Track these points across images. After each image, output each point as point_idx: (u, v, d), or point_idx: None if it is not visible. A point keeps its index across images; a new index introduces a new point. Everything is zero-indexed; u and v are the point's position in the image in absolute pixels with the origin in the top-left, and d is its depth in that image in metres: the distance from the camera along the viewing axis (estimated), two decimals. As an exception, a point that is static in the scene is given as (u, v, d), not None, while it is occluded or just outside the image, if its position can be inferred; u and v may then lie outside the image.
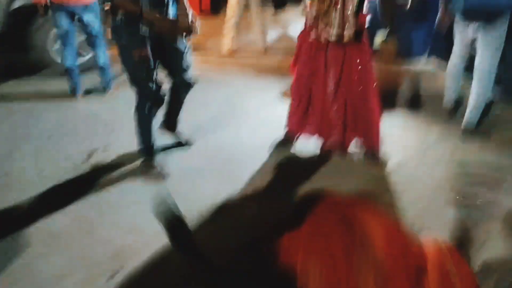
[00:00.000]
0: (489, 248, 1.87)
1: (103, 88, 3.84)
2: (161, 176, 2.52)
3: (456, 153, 2.74)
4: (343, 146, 2.64)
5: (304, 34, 2.51)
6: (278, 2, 2.45)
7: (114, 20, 2.20)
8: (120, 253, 1.90)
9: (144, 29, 2.19)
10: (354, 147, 2.66)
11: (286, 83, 3.71)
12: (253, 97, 3.74)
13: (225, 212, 2.22)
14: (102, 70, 3.79)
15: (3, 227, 2.11)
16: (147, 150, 2.56)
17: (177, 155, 2.78)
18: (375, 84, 2.50)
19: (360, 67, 2.42)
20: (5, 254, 1.91)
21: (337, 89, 2.47)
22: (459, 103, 3.19)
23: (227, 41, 4.74)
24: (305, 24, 2.48)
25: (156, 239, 1.90)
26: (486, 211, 2.15)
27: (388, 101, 3.23)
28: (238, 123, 3.24)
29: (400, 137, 2.98)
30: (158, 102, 2.48)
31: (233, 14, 4.57)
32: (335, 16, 2.31)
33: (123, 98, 3.34)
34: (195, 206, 2.20)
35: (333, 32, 2.34)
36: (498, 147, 2.79)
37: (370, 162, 2.62)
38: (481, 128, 2.96)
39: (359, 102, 2.49)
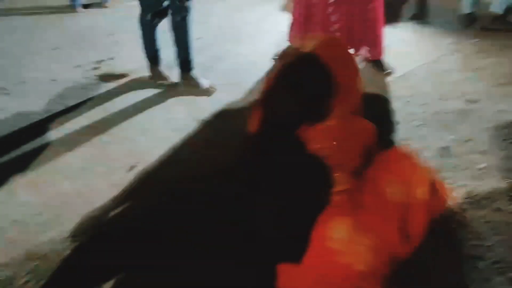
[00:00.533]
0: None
1: (101, 1, 3.79)
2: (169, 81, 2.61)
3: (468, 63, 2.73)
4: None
5: None
6: None
7: None
8: (134, 151, 2.05)
9: None
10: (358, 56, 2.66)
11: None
12: (252, 11, 3.69)
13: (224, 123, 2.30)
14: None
15: (24, 130, 2.24)
16: (152, 59, 2.62)
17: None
18: None
19: None
20: (28, 153, 2.05)
21: None
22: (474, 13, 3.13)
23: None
24: None
25: (165, 141, 2.05)
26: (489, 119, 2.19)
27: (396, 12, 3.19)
28: (239, 35, 3.24)
29: (408, 46, 2.97)
30: (161, 11, 2.47)
31: None
32: None
33: (123, 10, 3.32)
34: (198, 115, 2.30)
35: None
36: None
37: (377, 70, 2.63)
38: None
39: (363, 8, 2.45)
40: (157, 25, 2.54)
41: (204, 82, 2.57)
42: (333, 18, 2.49)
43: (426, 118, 2.19)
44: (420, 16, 3.33)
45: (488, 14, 3.20)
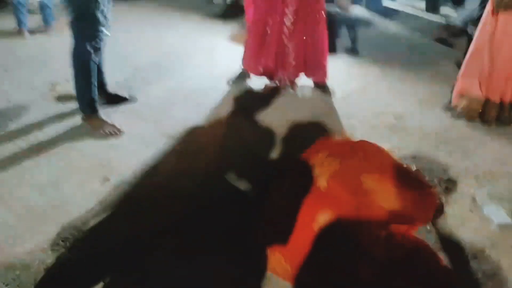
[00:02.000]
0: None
1: (45, 25, 3.83)
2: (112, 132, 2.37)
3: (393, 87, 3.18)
4: (295, 80, 2.96)
5: None
6: None
7: None
8: (106, 164, 2.14)
9: None
10: (304, 80, 3.00)
11: (232, 28, 3.98)
12: (203, 40, 3.93)
13: (193, 138, 2.48)
14: (43, 7, 3.77)
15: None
16: (91, 104, 2.34)
17: (144, 90, 2.94)
18: (324, 16, 2.77)
19: (314, 3, 2.68)
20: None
21: (295, 26, 2.71)
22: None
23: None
24: None
25: (135, 155, 2.20)
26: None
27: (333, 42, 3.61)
28: (193, 62, 3.44)
29: (344, 74, 3.37)
30: (99, 44, 2.24)
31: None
32: None
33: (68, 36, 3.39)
34: (165, 131, 2.45)
35: None
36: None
37: (321, 93, 2.97)
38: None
39: (312, 39, 2.78)
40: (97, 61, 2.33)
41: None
42: (289, 46, 2.77)
43: (365, 131, 2.55)
44: (353, 50, 3.82)
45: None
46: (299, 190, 1.47)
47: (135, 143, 2.34)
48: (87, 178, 2.03)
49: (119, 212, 1.84)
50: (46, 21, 3.81)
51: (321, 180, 1.54)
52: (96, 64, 2.30)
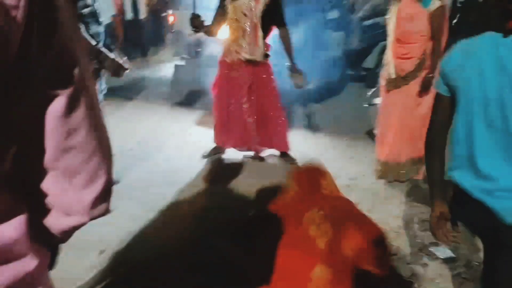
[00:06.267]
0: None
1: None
2: None
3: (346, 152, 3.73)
4: (260, 152, 3.39)
5: (222, 58, 3.20)
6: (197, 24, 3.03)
7: None
8: (102, 239, 2.35)
9: None
10: (269, 151, 3.44)
11: (198, 113, 4.47)
12: (173, 126, 4.34)
13: (173, 211, 2.75)
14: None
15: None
16: None
17: (124, 174, 3.19)
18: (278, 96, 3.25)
19: (266, 83, 3.17)
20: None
21: (251, 103, 3.17)
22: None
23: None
24: (223, 49, 3.17)
25: (122, 229, 2.45)
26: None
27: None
28: (167, 146, 3.79)
29: (304, 144, 3.84)
30: None
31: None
32: (247, 41, 3.02)
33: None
34: (148, 207, 2.71)
35: (245, 54, 3.05)
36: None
37: (285, 161, 3.39)
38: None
39: (269, 113, 3.24)
40: None
41: None
42: (250, 122, 3.21)
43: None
44: (310, 124, 4.39)
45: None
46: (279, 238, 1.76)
47: (123, 219, 2.57)
48: (85, 251, 2.23)
49: (116, 279, 2.04)
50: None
51: (320, 242, 1.76)
52: None
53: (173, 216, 2.66)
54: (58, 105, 0.55)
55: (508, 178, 1.22)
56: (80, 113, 0.58)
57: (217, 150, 3.48)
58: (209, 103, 3.77)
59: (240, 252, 2.18)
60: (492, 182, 1.24)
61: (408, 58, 2.86)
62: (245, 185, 3.02)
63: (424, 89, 2.83)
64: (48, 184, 0.61)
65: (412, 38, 2.81)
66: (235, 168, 3.29)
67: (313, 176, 2.08)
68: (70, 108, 0.57)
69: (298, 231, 1.79)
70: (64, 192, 0.62)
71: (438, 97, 1.38)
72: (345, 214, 1.95)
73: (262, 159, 3.43)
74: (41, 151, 0.57)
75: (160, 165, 3.41)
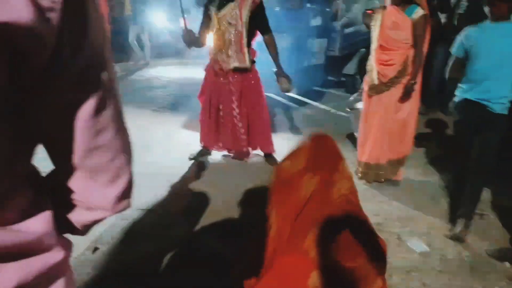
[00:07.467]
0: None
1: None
2: None
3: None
4: (248, 154, 3.52)
5: (209, 66, 3.28)
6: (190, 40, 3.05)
7: None
8: (96, 236, 2.43)
9: None
10: (255, 153, 3.57)
11: (183, 117, 4.56)
12: (158, 129, 4.43)
13: (164, 210, 2.85)
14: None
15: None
16: None
17: None
18: (265, 99, 3.36)
19: (254, 88, 3.27)
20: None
21: (241, 109, 3.28)
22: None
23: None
24: (210, 58, 3.24)
25: (114, 227, 2.53)
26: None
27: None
28: (154, 149, 3.85)
29: (287, 147, 3.96)
30: None
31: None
32: (233, 50, 3.09)
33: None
34: (138, 206, 2.79)
35: (232, 62, 3.12)
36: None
37: (270, 162, 3.51)
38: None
39: (257, 117, 3.35)
40: None
41: None
42: (239, 125, 3.32)
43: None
44: (292, 128, 4.53)
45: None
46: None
47: (115, 218, 2.64)
48: (79, 248, 2.30)
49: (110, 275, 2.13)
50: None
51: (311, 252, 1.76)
52: None
53: (163, 216, 2.75)
54: (88, 107, 0.56)
55: (498, 91, 2.46)
56: (108, 114, 0.60)
57: (204, 152, 3.58)
58: (196, 106, 3.88)
59: (228, 249, 2.29)
60: (489, 94, 2.48)
61: (391, 65, 2.95)
62: (232, 185, 3.13)
63: (406, 95, 2.94)
64: (75, 182, 0.63)
65: (395, 45, 2.91)
66: (221, 169, 3.41)
67: (332, 151, 1.77)
68: (99, 109, 0.58)
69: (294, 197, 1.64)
70: (90, 189, 0.64)
71: (456, 59, 2.65)
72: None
73: (246, 161, 3.57)
74: (69, 150, 0.58)
75: (148, 168, 3.43)
